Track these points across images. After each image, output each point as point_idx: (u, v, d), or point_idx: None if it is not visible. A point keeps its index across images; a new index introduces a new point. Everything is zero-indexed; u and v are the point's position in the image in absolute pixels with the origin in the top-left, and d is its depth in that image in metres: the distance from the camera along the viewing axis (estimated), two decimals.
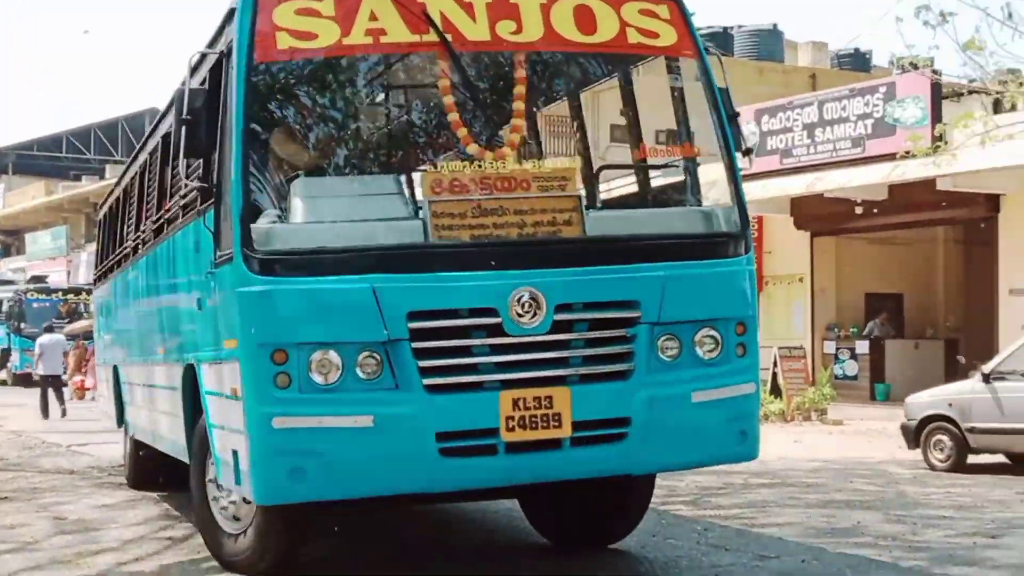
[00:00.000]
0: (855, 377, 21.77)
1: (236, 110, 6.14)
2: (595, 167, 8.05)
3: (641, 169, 7.78)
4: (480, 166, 6.37)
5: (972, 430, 13.16)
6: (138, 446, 11.25)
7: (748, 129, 21.31)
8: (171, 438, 8.70)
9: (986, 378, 13.10)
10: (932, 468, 13.36)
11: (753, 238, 7.15)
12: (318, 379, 6.03)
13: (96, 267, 14.40)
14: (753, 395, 6.76)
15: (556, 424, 6.16)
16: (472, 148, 6.47)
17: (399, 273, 6.09)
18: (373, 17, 6.34)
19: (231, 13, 6.47)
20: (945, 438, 13.40)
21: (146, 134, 10.46)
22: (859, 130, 19.67)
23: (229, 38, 6.44)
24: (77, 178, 60.52)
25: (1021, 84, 13.49)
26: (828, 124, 20.20)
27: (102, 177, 56.18)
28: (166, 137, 8.34)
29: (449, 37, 6.39)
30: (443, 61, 6.49)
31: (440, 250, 6.18)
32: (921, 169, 16.91)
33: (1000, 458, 13.64)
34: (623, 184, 8.27)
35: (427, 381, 6.06)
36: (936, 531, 8.98)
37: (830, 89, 21.47)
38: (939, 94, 18.23)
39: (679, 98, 7.79)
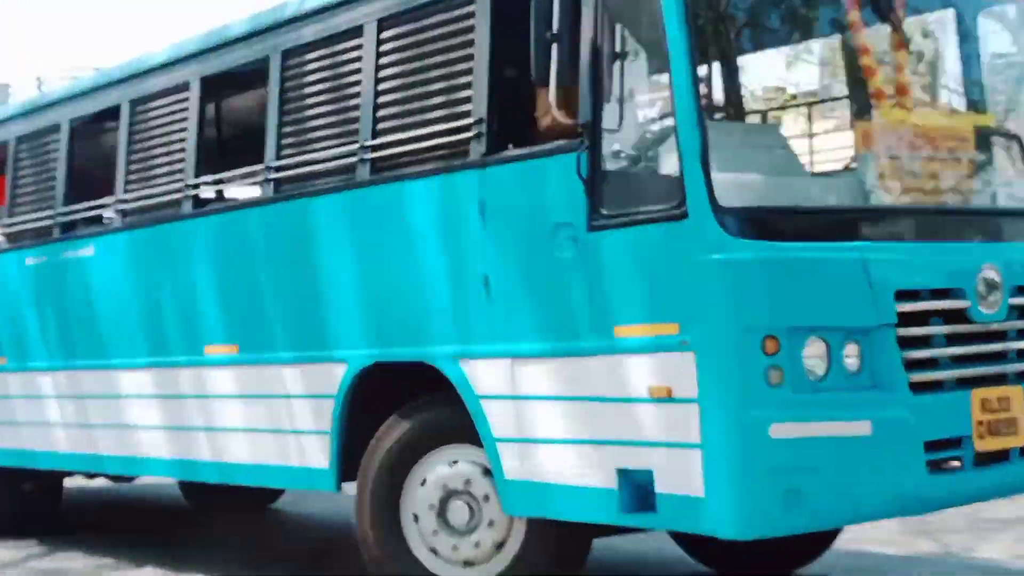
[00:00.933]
0: None
1: (679, 18, 4.87)
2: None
3: None
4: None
5: None
6: None
7: None
8: (268, 459, 6.80)
9: None
10: None
11: None
12: (812, 375, 4.88)
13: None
14: None
15: (1013, 431, 5.30)
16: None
17: (888, 241, 5.13)
18: None
19: None
20: None
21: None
22: None
23: None
24: None
25: None
26: None
27: None
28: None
29: None
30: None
31: (918, 216, 5.34)
32: None
33: None
34: None
35: (913, 377, 5.05)
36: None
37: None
38: None
39: None
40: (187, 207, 7.14)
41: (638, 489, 4.99)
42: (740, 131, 5.78)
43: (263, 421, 6.64)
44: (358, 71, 6.17)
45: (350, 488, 6.12)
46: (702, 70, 5.77)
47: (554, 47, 5.01)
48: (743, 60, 6.35)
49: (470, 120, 5.52)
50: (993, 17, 6.40)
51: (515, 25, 5.31)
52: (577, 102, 5.02)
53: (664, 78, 5.01)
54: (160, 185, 7.39)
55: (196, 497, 10.47)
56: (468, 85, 5.58)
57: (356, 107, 6.16)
